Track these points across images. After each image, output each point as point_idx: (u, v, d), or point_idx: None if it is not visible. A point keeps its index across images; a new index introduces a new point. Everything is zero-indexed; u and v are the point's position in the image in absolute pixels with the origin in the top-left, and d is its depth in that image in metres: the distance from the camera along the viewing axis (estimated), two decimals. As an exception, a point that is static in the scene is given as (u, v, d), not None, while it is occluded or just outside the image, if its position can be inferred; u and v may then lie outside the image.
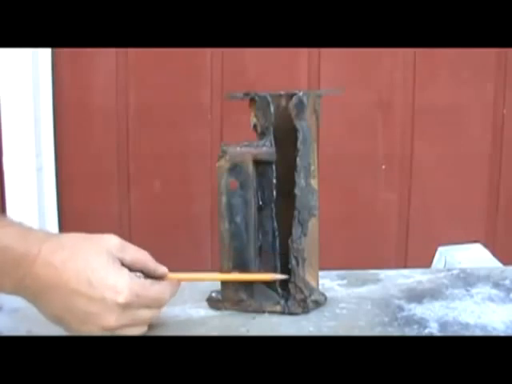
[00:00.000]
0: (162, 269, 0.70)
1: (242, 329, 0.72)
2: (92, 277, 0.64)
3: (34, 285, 0.63)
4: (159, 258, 0.71)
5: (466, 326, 0.72)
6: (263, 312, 0.75)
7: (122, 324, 0.65)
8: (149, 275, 0.69)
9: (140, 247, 0.70)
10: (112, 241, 0.67)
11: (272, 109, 0.74)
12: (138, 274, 0.68)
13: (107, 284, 0.64)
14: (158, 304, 0.69)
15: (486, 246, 1.18)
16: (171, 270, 0.71)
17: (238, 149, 0.74)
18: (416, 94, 1.51)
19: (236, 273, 0.75)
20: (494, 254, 1.14)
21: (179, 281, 0.71)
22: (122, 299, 0.64)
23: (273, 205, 0.75)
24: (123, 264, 0.66)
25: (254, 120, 0.75)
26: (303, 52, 1.49)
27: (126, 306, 0.64)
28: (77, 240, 0.67)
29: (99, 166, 1.51)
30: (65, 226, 1.50)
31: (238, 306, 0.76)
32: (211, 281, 0.78)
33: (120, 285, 0.64)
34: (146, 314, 0.67)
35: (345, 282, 0.85)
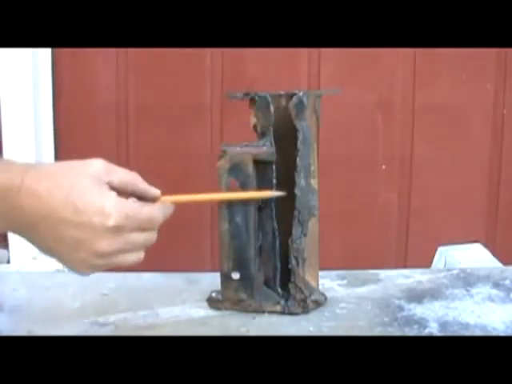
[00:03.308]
0: (153, 190, 0.67)
1: (242, 329, 0.72)
2: (78, 202, 0.60)
3: (23, 217, 0.61)
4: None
5: (466, 325, 0.72)
6: (263, 312, 0.75)
7: (116, 249, 0.62)
8: (141, 198, 0.66)
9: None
10: (98, 165, 0.64)
11: (272, 109, 0.74)
12: (133, 199, 0.65)
13: (94, 208, 0.61)
14: (150, 225, 0.65)
15: (486, 245, 1.18)
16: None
17: (238, 149, 0.74)
18: (416, 94, 1.51)
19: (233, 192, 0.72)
20: (494, 254, 1.14)
21: (173, 203, 0.69)
22: (111, 222, 0.61)
23: (273, 205, 0.75)
24: (112, 188, 0.63)
25: (254, 120, 0.75)
26: (303, 52, 1.49)
27: (116, 229, 0.62)
28: (61, 167, 0.64)
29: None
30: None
31: (238, 306, 0.76)
32: (207, 201, 0.72)
33: (107, 207, 0.61)
34: (139, 237, 0.64)
35: (345, 282, 0.85)
